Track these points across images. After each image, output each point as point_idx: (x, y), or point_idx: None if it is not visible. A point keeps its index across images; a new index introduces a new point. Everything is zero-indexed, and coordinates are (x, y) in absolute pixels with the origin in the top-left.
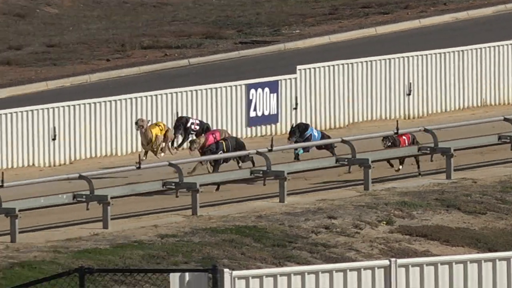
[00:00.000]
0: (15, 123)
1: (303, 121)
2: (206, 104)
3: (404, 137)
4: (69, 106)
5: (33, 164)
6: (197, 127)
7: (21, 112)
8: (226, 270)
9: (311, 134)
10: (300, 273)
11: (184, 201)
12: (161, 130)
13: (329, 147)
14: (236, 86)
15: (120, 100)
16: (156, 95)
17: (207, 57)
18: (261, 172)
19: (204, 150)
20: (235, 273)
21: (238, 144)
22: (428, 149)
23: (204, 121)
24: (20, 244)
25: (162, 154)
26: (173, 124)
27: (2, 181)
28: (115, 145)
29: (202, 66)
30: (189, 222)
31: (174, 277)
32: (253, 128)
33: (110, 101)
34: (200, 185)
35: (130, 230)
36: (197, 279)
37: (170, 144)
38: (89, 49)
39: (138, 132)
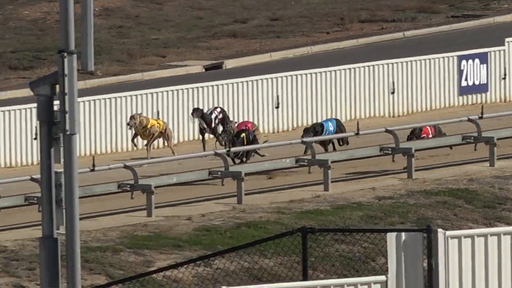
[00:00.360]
0: (241, 91)
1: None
2: (420, 75)
3: (428, 127)
4: (291, 76)
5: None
6: (220, 116)
7: (247, 81)
8: (439, 230)
9: (327, 132)
10: (510, 233)
11: (399, 165)
12: (158, 125)
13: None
14: (448, 57)
15: (339, 70)
16: (373, 66)
17: (421, 30)
18: (472, 138)
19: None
20: (448, 233)
21: (254, 138)
22: None
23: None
24: (246, 206)
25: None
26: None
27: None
28: (335, 110)
29: (416, 38)
30: (405, 185)
31: (391, 237)
32: (464, 96)
33: (329, 71)
34: (416, 151)
35: (349, 192)
36: (413, 239)
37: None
38: (310, 22)
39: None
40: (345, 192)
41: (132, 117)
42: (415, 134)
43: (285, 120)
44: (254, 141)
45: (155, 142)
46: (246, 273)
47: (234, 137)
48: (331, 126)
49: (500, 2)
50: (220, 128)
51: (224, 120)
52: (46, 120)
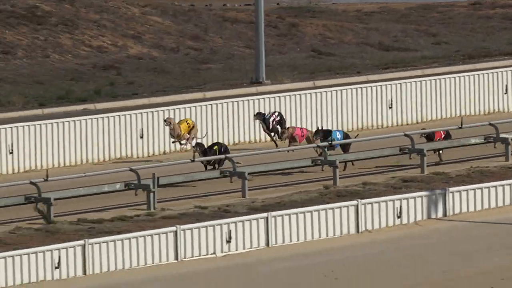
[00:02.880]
0: None
1: None
2: None
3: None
4: None
5: None
6: (277, 119)
7: None
8: None
9: (333, 138)
10: None
11: None
12: (188, 126)
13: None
14: None
15: None
16: None
17: None
18: None
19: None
20: None
21: (226, 149)
22: None
23: None
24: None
25: (188, 145)
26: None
27: None
28: None
29: None
30: None
31: None
32: None
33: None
34: None
35: None
36: None
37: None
38: None
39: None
40: None
41: (166, 120)
42: (430, 137)
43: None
44: (225, 151)
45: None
46: None
47: (207, 149)
48: (338, 134)
49: None
50: (279, 128)
51: (281, 122)
52: None
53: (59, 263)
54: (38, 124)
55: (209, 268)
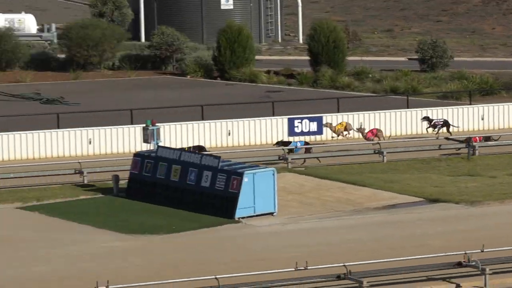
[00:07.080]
0: None
1: None
2: None
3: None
4: None
5: None
6: (441, 122)
7: None
8: None
9: (295, 146)
10: None
11: None
12: (342, 125)
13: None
14: None
15: None
16: None
17: None
18: None
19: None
20: None
21: (200, 148)
22: None
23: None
24: None
25: (340, 136)
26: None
27: None
28: None
29: None
30: None
31: None
32: None
33: None
34: None
35: None
36: None
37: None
38: None
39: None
40: None
41: (325, 124)
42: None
43: None
44: (201, 150)
45: None
46: None
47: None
48: (298, 143)
49: None
50: (443, 129)
51: (446, 124)
52: None
53: None
54: None
55: None
